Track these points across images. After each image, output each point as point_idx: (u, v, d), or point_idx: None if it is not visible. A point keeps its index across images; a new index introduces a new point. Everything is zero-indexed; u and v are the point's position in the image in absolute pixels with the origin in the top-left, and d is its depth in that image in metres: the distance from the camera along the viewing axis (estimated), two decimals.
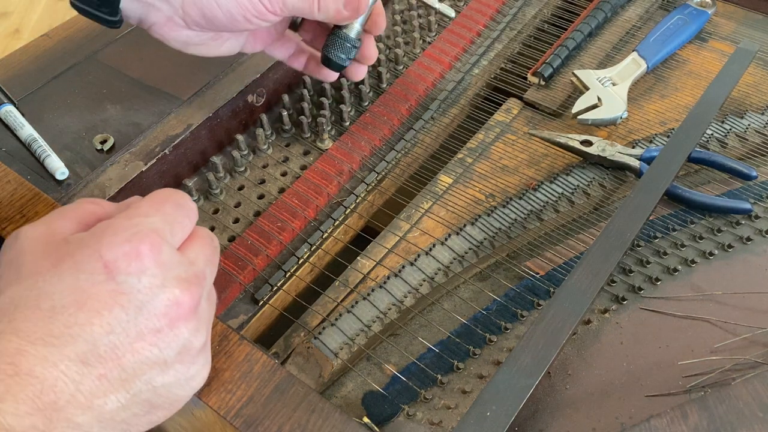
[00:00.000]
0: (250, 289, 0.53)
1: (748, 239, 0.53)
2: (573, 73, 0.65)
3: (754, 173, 0.56)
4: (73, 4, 0.47)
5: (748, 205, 0.54)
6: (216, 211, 0.58)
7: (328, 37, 0.53)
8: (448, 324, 0.50)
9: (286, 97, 0.65)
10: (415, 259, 0.54)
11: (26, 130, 0.59)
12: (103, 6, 0.46)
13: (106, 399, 0.33)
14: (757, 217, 0.55)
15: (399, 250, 0.55)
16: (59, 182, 0.56)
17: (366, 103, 0.66)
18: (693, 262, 0.52)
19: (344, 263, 0.54)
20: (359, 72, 0.57)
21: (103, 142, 0.59)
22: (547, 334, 0.43)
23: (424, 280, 0.52)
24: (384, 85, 0.67)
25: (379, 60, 0.68)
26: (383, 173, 0.60)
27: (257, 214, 0.58)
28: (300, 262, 0.54)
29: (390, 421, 0.45)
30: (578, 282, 0.46)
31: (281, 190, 0.59)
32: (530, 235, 0.55)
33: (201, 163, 0.61)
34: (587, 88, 0.63)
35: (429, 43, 0.71)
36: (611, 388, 0.46)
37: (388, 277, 0.52)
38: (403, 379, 0.47)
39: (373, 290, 0.52)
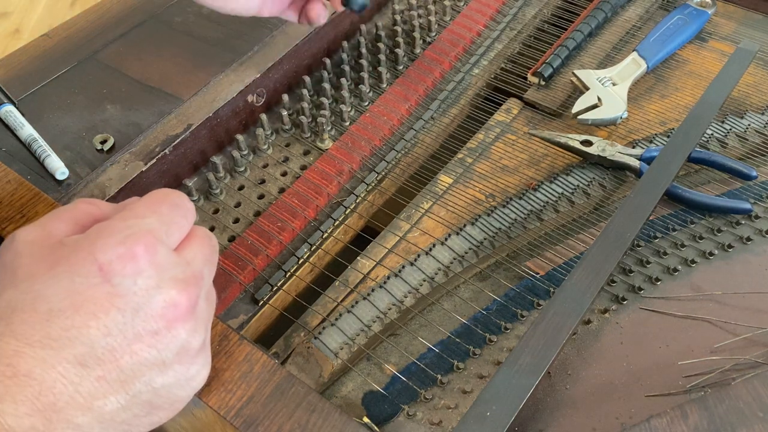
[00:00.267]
0: (250, 289, 0.53)
1: (748, 239, 0.53)
2: (573, 73, 0.65)
3: (754, 173, 0.56)
4: None
5: (748, 205, 0.54)
6: (216, 211, 0.58)
7: None
8: (448, 324, 0.50)
9: (286, 97, 0.65)
10: (415, 259, 0.54)
11: (26, 130, 0.59)
12: None
13: (106, 400, 0.33)
14: (757, 217, 0.55)
15: (399, 250, 0.55)
16: (59, 182, 0.56)
17: (366, 103, 0.66)
18: (693, 262, 0.52)
19: (344, 263, 0.54)
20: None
21: (103, 142, 0.59)
22: (547, 334, 0.43)
23: (424, 280, 0.52)
24: (384, 85, 0.67)
25: (378, 60, 0.68)
26: (383, 173, 0.60)
27: (257, 214, 0.58)
28: (300, 262, 0.54)
29: (390, 421, 0.45)
30: (578, 282, 0.46)
31: (281, 190, 0.59)
32: (530, 235, 0.55)
33: (201, 163, 0.61)
34: (587, 88, 0.63)
35: (429, 43, 0.71)
36: (611, 388, 0.46)
37: (388, 277, 0.52)
38: (403, 379, 0.47)
39: (373, 290, 0.52)
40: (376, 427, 0.45)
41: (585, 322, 0.49)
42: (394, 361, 0.48)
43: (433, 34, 0.72)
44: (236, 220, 0.57)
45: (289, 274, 0.54)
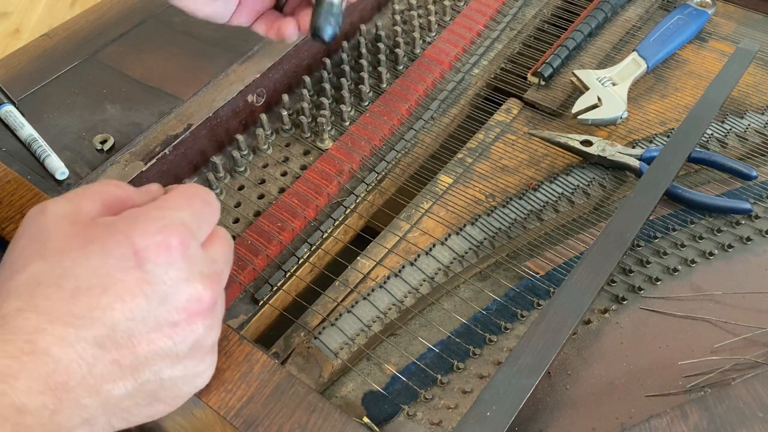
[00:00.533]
0: (250, 289, 0.53)
1: (748, 239, 0.53)
2: (573, 73, 0.65)
3: (754, 173, 0.56)
4: None
5: (748, 205, 0.54)
6: None
7: (314, 9, 0.51)
8: (448, 324, 0.50)
9: (286, 97, 0.65)
10: (415, 259, 0.54)
11: (26, 130, 0.59)
12: None
13: (115, 385, 0.33)
14: (757, 217, 0.55)
15: (399, 250, 0.55)
16: (59, 182, 0.56)
17: (366, 103, 0.66)
18: (693, 262, 0.52)
19: (344, 263, 0.54)
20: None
21: (103, 142, 0.59)
22: (547, 334, 0.43)
23: (424, 280, 0.52)
24: (384, 85, 0.67)
25: (378, 60, 0.68)
26: (383, 173, 0.60)
27: (257, 214, 0.58)
28: (300, 262, 0.54)
29: (390, 421, 0.45)
30: (578, 282, 0.46)
31: (281, 190, 0.59)
32: (530, 235, 0.55)
33: (201, 163, 0.61)
34: (587, 88, 0.63)
35: (429, 43, 0.71)
36: (611, 388, 0.46)
37: (388, 277, 0.52)
38: (403, 379, 0.47)
39: (373, 290, 0.52)
40: (376, 427, 0.45)
41: (585, 322, 0.49)
42: (394, 361, 0.48)
43: (433, 34, 0.72)
44: (236, 220, 0.57)
45: (289, 274, 0.54)
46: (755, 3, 0.73)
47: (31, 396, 0.30)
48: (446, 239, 0.55)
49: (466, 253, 0.54)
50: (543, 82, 0.66)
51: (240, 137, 0.60)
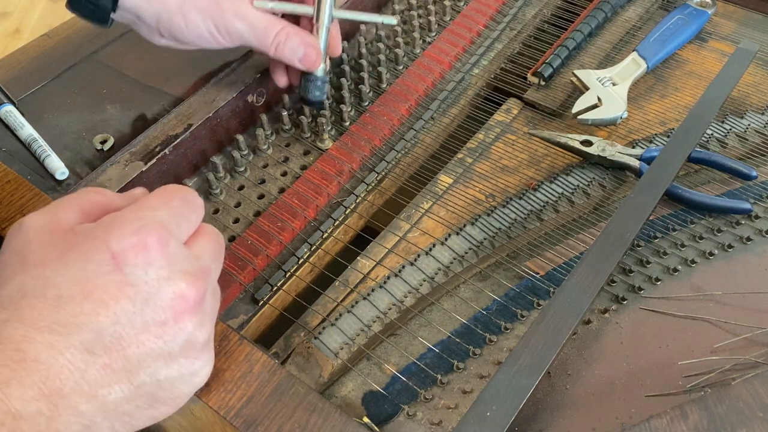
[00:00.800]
0: (250, 289, 0.53)
1: (748, 239, 0.53)
2: (573, 73, 0.65)
3: (754, 173, 0.56)
4: (68, 8, 0.53)
5: (748, 205, 0.54)
6: (216, 211, 0.58)
7: (301, 78, 0.59)
8: (448, 324, 0.50)
9: (286, 97, 0.65)
10: (415, 259, 0.54)
11: (26, 130, 0.59)
12: (95, 20, 0.54)
13: (111, 389, 0.33)
14: (757, 217, 0.55)
15: (399, 250, 0.55)
16: (59, 182, 0.56)
17: (366, 103, 0.66)
18: (693, 262, 0.52)
19: (344, 263, 0.54)
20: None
21: (103, 142, 0.59)
22: (547, 334, 0.43)
23: (424, 280, 0.52)
24: (384, 85, 0.67)
25: (378, 60, 0.68)
26: (383, 173, 0.60)
27: (257, 214, 0.58)
28: (300, 262, 0.54)
29: (390, 421, 0.45)
30: (578, 282, 0.46)
31: (281, 190, 0.59)
32: (530, 235, 0.55)
33: (201, 163, 0.61)
34: (587, 88, 0.63)
35: (429, 43, 0.71)
36: (611, 388, 0.46)
37: (388, 277, 0.52)
38: (403, 379, 0.47)
39: (373, 290, 0.52)
40: (376, 427, 0.45)
41: (585, 322, 0.49)
42: (394, 361, 0.48)
43: (433, 34, 0.72)
44: (236, 220, 0.57)
45: (289, 274, 0.54)
46: (755, 3, 0.73)
47: (26, 402, 0.30)
48: (446, 239, 0.55)
49: (466, 253, 0.54)
50: (543, 82, 0.66)
51: (240, 137, 0.60)
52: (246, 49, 0.65)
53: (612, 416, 0.45)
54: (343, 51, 0.69)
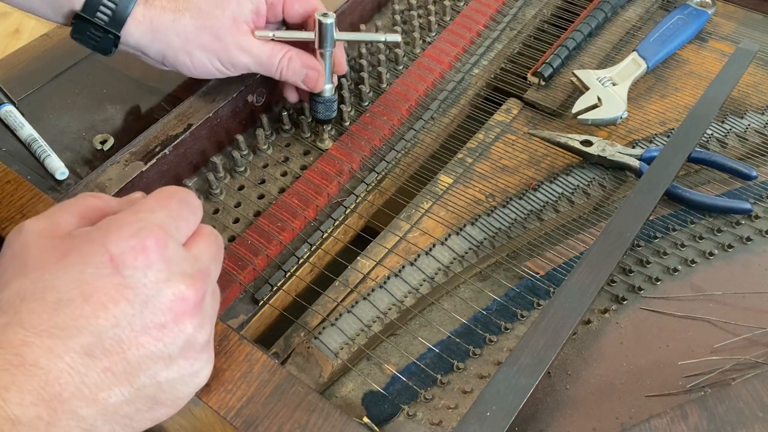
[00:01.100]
0: (250, 289, 0.53)
1: (748, 239, 0.53)
2: (573, 73, 0.65)
3: (754, 173, 0.56)
4: (73, 37, 0.56)
5: (748, 205, 0.54)
6: (216, 211, 0.58)
7: (309, 101, 0.61)
8: (448, 324, 0.50)
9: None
10: (415, 259, 0.54)
11: (26, 130, 0.59)
12: (98, 51, 0.56)
13: (111, 392, 0.33)
14: (757, 217, 0.55)
15: (399, 250, 0.55)
16: (59, 182, 0.56)
17: (366, 103, 0.66)
18: (693, 262, 0.52)
19: (344, 263, 0.54)
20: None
21: (103, 142, 0.59)
22: (547, 334, 0.43)
23: (424, 280, 0.52)
24: (384, 85, 0.67)
25: (378, 60, 0.68)
26: (383, 173, 0.60)
27: (257, 214, 0.58)
28: (300, 262, 0.54)
29: (390, 421, 0.45)
30: (578, 282, 0.46)
31: (281, 190, 0.59)
32: (530, 235, 0.55)
33: (201, 163, 0.61)
34: (587, 88, 0.63)
35: (429, 43, 0.71)
36: (611, 388, 0.46)
37: (388, 277, 0.52)
38: (403, 379, 0.47)
39: (373, 290, 0.52)
40: (376, 427, 0.45)
41: (585, 322, 0.49)
42: (394, 361, 0.48)
43: (433, 34, 0.72)
44: (236, 220, 0.57)
45: (289, 274, 0.54)
46: (755, 3, 0.73)
47: (24, 408, 0.30)
48: (446, 239, 0.55)
49: (466, 253, 0.54)
50: (543, 82, 0.66)
51: (240, 137, 0.60)
52: None
53: (612, 416, 0.45)
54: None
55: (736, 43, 0.69)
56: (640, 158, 0.58)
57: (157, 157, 0.56)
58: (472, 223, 0.56)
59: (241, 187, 0.60)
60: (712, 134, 0.61)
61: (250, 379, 0.40)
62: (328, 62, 0.58)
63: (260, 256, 0.53)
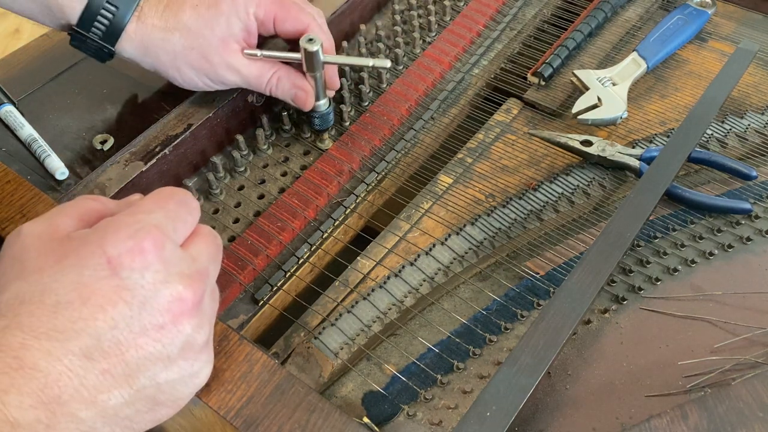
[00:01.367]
0: (250, 289, 0.53)
1: (748, 239, 0.53)
2: (573, 73, 0.65)
3: (754, 173, 0.56)
4: (72, 45, 0.57)
5: (748, 205, 0.54)
6: (216, 211, 0.58)
7: (308, 115, 0.61)
8: (448, 324, 0.50)
9: None
10: (415, 259, 0.54)
11: (26, 130, 0.59)
12: (96, 59, 0.57)
13: (110, 394, 0.33)
14: (757, 217, 0.55)
15: (399, 250, 0.55)
16: (59, 182, 0.56)
17: (366, 103, 0.66)
18: (693, 262, 0.52)
19: (344, 263, 0.54)
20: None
21: (103, 142, 0.59)
22: (547, 334, 0.43)
23: (424, 280, 0.52)
24: (384, 85, 0.67)
25: None
26: (383, 173, 0.60)
27: (257, 214, 0.58)
28: (300, 262, 0.54)
29: (390, 421, 0.45)
30: (578, 282, 0.46)
31: (281, 190, 0.59)
32: (530, 235, 0.55)
33: (201, 163, 0.61)
34: (587, 88, 0.63)
35: (429, 43, 0.71)
36: (611, 388, 0.46)
37: (388, 277, 0.52)
38: (403, 379, 0.47)
39: (373, 290, 0.52)
40: (376, 427, 0.45)
41: (585, 322, 0.49)
42: (394, 361, 0.48)
43: (433, 34, 0.72)
44: (236, 220, 0.57)
45: (289, 274, 0.54)
46: (755, 3, 0.73)
47: (23, 411, 0.30)
48: (446, 239, 0.55)
49: (466, 253, 0.54)
50: (543, 82, 0.66)
51: (240, 137, 0.60)
52: None
53: (612, 416, 0.45)
54: (343, 50, 0.69)
55: (736, 43, 0.69)
56: (640, 158, 0.58)
57: (157, 157, 0.56)
58: (472, 223, 0.56)
59: (241, 187, 0.60)
60: (712, 134, 0.61)
61: (250, 379, 0.40)
62: (319, 82, 0.58)
63: (260, 256, 0.53)
